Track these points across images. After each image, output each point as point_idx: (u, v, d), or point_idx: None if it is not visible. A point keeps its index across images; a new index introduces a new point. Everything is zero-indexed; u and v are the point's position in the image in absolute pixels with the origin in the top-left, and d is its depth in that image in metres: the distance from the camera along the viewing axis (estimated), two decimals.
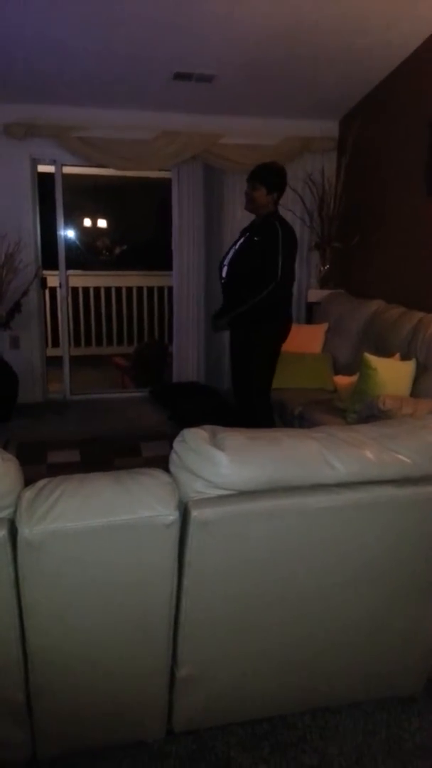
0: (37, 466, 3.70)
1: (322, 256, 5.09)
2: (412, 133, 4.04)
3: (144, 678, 1.66)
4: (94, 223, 8.18)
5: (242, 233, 3.63)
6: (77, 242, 7.90)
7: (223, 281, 3.60)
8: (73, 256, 6.75)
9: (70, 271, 5.72)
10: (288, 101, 4.74)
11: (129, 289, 7.32)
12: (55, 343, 6.13)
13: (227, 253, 3.61)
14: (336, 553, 1.61)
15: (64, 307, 5.52)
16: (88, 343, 7.30)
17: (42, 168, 5.05)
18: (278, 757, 1.78)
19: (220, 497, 1.48)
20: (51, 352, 5.76)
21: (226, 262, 3.56)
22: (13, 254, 4.71)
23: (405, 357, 3.50)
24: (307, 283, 5.32)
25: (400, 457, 1.56)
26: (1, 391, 4.69)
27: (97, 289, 7.25)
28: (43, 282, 5.22)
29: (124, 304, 7.33)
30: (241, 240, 3.54)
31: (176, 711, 1.74)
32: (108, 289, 7.29)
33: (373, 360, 3.35)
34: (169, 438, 1.68)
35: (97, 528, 1.39)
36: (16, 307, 4.75)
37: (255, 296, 3.32)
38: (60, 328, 5.73)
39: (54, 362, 5.52)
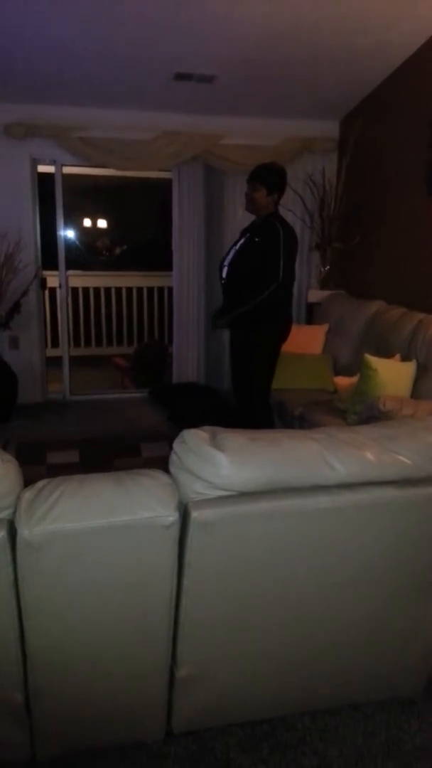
0: (36, 467, 3.70)
1: (323, 256, 5.09)
2: (413, 134, 4.04)
3: (144, 678, 1.66)
4: (94, 223, 8.18)
5: (242, 234, 3.63)
6: (77, 242, 7.90)
7: (223, 282, 3.60)
8: (73, 257, 6.75)
9: (70, 272, 5.72)
10: (288, 102, 4.73)
11: (129, 290, 7.33)
12: (55, 344, 6.12)
13: (227, 254, 3.61)
14: (336, 554, 1.61)
15: (63, 307, 5.51)
16: (87, 343, 7.30)
17: (42, 168, 5.05)
18: (278, 759, 1.78)
19: (220, 498, 1.48)
20: (51, 352, 5.75)
21: (226, 262, 3.56)
22: (13, 254, 4.71)
23: (405, 358, 3.49)
24: (308, 284, 5.32)
25: (401, 458, 1.55)
26: (1, 391, 4.69)
27: (96, 290, 7.25)
28: (43, 282, 5.22)
29: (124, 305, 7.33)
30: (242, 241, 3.54)
31: (176, 711, 1.74)
32: (108, 290, 7.29)
33: (374, 361, 3.35)
34: (169, 439, 1.68)
35: (97, 529, 1.39)
36: (16, 308, 4.75)
37: (256, 297, 3.32)
38: (60, 329, 5.72)
39: (54, 362, 5.52)
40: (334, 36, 3.78)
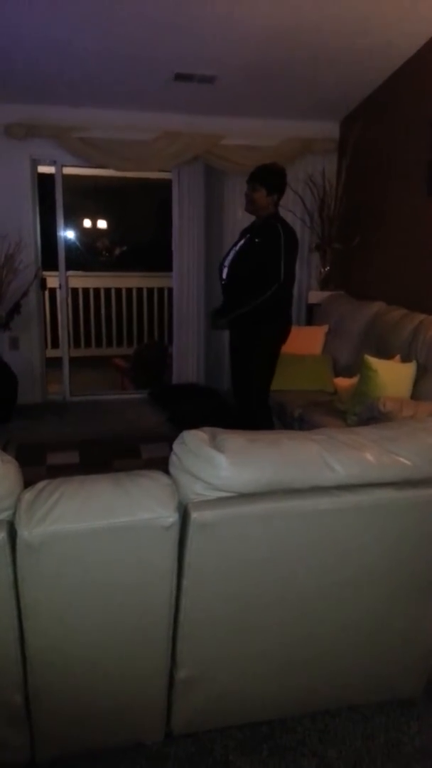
0: (36, 468, 3.70)
1: (323, 257, 5.09)
2: (414, 135, 4.04)
3: (143, 679, 1.66)
4: (94, 223, 8.18)
5: (242, 234, 3.63)
6: (77, 243, 7.90)
7: (223, 282, 3.59)
8: (73, 257, 6.75)
9: (70, 272, 5.73)
10: (289, 102, 4.74)
11: (129, 290, 7.32)
12: (55, 344, 6.12)
13: (227, 254, 3.61)
14: (335, 555, 1.61)
15: (63, 308, 5.51)
16: (87, 344, 7.29)
17: (42, 169, 5.05)
18: (277, 761, 1.77)
19: (220, 499, 1.48)
20: (50, 353, 5.75)
21: (226, 263, 3.56)
22: (13, 255, 4.71)
23: (405, 359, 3.49)
24: (308, 285, 5.32)
25: (401, 459, 1.55)
26: (1, 392, 4.68)
27: (96, 290, 7.25)
28: (43, 283, 5.22)
29: (124, 305, 7.32)
30: (242, 241, 3.54)
31: (175, 713, 1.74)
32: (108, 290, 7.29)
33: (374, 362, 3.34)
34: (169, 440, 1.68)
35: (97, 530, 1.39)
36: (16, 308, 4.75)
37: (256, 297, 3.32)
38: (60, 329, 5.72)
39: (53, 363, 5.52)
40: (335, 36, 3.78)
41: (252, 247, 3.43)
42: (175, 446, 1.55)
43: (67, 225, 5.36)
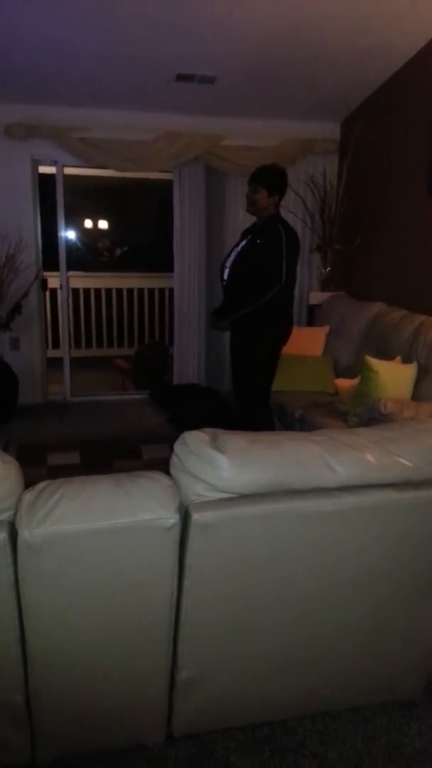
0: (37, 468, 3.70)
1: (324, 258, 5.09)
2: (414, 135, 4.03)
3: (144, 680, 1.66)
4: (95, 224, 8.18)
5: (243, 235, 3.63)
6: (78, 243, 7.90)
7: (224, 283, 3.59)
8: (74, 258, 6.75)
9: (71, 273, 5.73)
10: (289, 103, 4.74)
11: (130, 291, 7.32)
12: (56, 345, 6.13)
13: (228, 255, 3.61)
14: (336, 555, 1.61)
15: (64, 308, 5.52)
16: (88, 344, 7.29)
17: (43, 169, 5.05)
18: (278, 762, 1.77)
19: (221, 500, 1.48)
20: (51, 353, 5.76)
21: (227, 264, 3.56)
22: (14, 255, 4.71)
23: (406, 360, 3.49)
24: (309, 286, 5.32)
25: (402, 460, 1.55)
26: (1, 392, 4.68)
27: (97, 291, 7.25)
28: (44, 283, 5.22)
29: (125, 306, 7.33)
30: (243, 242, 3.54)
31: (176, 714, 1.74)
32: (109, 291, 7.29)
33: (375, 363, 3.34)
34: (170, 440, 1.68)
35: (98, 531, 1.39)
36: (17, 309, 4.75)
37: (258, 299, 3.31)
38: (60, 330, 5.73)
39: (54, 364, 5.52)
40: (335, 37, 3.78)
41: (253, 248, 3.43)
42: (176, 447, 1.55)
43: (67, 225, 5.36)
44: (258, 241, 3.42)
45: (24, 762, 1.69)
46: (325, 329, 4.61)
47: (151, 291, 7.30)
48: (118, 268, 8.02)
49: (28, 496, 1.42)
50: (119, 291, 7.31)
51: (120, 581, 1.47)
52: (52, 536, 1.36)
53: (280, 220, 3.43)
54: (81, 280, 7.07)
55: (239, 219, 4.89)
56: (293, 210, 4.85)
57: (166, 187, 5.34)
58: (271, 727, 1.88)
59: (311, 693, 1.88)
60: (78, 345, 7.13)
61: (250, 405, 3.59)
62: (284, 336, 3.57)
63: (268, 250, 3.33)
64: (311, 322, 5.11)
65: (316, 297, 5.07)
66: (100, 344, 7.33)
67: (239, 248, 3.54)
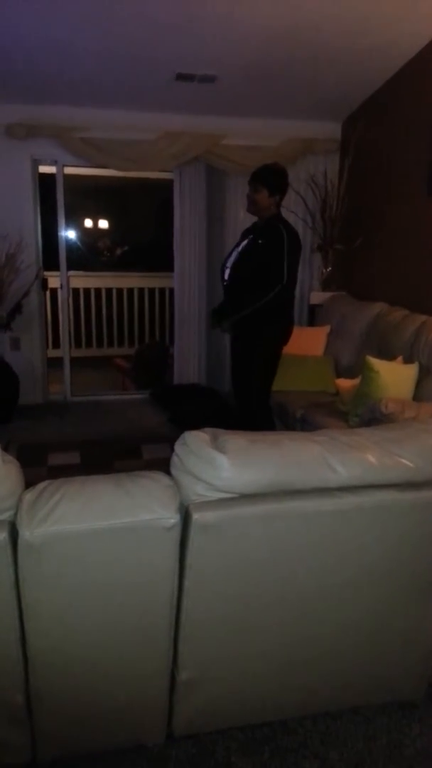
0: (37, 468, 3.70)
1: (325, 258, 5.09)
2: (415, 135, 4.03)
3: (144, 680, 1.66)
4: (96, 223, 8.19)
5: (244, 235, 3.62)
6: (78, 243, 7.90)
7: (225, 283, 3.58)
8: (75, 257, 6.75)
9: (71, 272, 5.73)
10: (290, 102, 4.74)
11: (130, 290, 7.33)
12: (56, 345, 6.13)
13: (229, 255, 3.60)
14: (336, 555, 1.61)
15: (65, 308, 5.52)
16: (88, 344, 7.30)
17: (43, 169, 5.05)
18: (279, 762, 1.77)
19: (221, 500, 1.48)
20: (52, 353, 5.76)
21: (228, 264, 3.55)
22: (15, 255, 4.71)
23: (408, 360, 3.49)
24: (309, 285, 5.32)
25: (403, 461, 1.55)
26: (2, 392, 4.69)
27: (98, 290, 7.25)
28: (44, 283, 5.22)
29: (125, 306, 7.33)
30: (244, 242, 3.53)
31: (176, 714, 1.74)
32: (109, 290, 7.29)
33: (376, 363, 3.34)
34: (170, 440, 1.68)
35: (98, 530, 1.39)
36: (17, 308, 4.75)
37: (259, 299, 3.31)
38: (61, 330, 5.73)
39: (55, 363, 5.52)
40: (335, 36, 3.78)
41: (255, 248, 3.42)
42: (177, 447, 1.55)
43: (68, 225, 5.36)
44: (259, 242, 3.41)
45: (24, 762, 1.69)
46: (326, 329, 4.61)
47: (152, 291, 7.30)
48: (119, 267, 8.02)
49: (29, 496, 1.42)
50: (119, 291, 7.31)
51: (120, 581, 1.47)
52: (52, 536, 1.36)
53: (282, 220, 3.43)
54: (81, 280, 7.07)
55: (240, 219, 4.89)
56: (294, 210, 4.85)
57: (166, 186, 5.34)
58: (271, 727, 1.88)
59: (311, 693, 1.88)
60: (78, 345, 7.14)
61: (250, 405, 3.58)
62: (285, 336, 3.56)
63: (269, 251, 3.33)
64: (312, 322, 5.11)
65: (317, 297, 5.07)
66: (100, 344, 7.34)
67: (240, 248, 3.53)
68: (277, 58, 4.04)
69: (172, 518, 1.42)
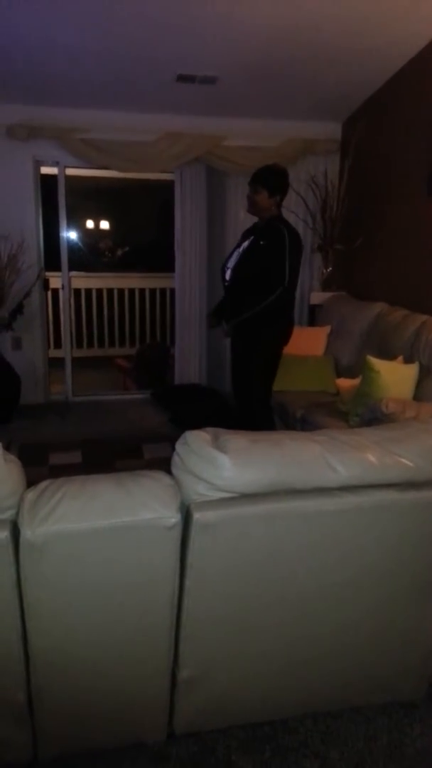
0: (38, 468, 3.71)
1: (325, 258, 5.09)
2: (416, 135, 4.04)
3: (145, 679, 1.66)
4: (97, 224, 8.19)
5: (244, 235, 3.62)
6: (80, 244, 7.91)
7: (226, 284, 3.58)
8: (76, 258, 6.76)
9: (73, 273, 5.74)
10: (290, 103, 4.74)
11: (131, 291, 7.33)
12: (57, 345, 6.14)
13: (230, 256, 3.60)
14: (337, 555, 1.61)
15: (66, 308, 5.53)
16: (90, 344, 7.30)
17: (45, 170, 5.06)
18: (279, 761, 1.78)
19: (222, 500, 1.48)
20: (53, 353, 5.77)
21: (229, 265, 3.55)
22: (16, 255, 4.71)
23: (408, 360, 3.49)
24: (310, 286, 5.32)
25: (403, 460, 1.55)
26: (3, 392, 4.69)
27: (99, 291, 7.26)
28: (46, 283, 5.23)
29: (126, 306, 7.33)
30: (246, 243, 3.52)
31: (177, 713, 1.74)
32: (110, 291, 7.30)
33: (376, 363, 3.34)
34: (171, 440, 1.68)
35: (99, 530, 1.39)
36: (19, 309, 4.76)
37: (260, 301, 3.30)
38: (62, 330, 5.74)
39: (56, 363, 5.53)
40: (336, 37, 3.78)
41: (256, 249, 3.41)
42: (178, 446, 1.56)
43: (69, 226, 5.36)
44: (261, 243, 3.40)
45: (26, 760, 1.70)
46: (327, 329, 4.61)
47: (153, 291, 7.31)
48: (120, 268, 8.02)
49: (30, 495, 1.42)
50: (121, 291, 7.31)
51: (121, 580, 1.48)
52: (54, 535, 1.37)
53: (283, 221, 3.42)
54: (83, 281, 7.08)
55: (240, 219, 4.89)
56: (294, 210, 4.85)
57: (167, 187, 5.35)
58: (272, 726, 1.88)
59: (312, 692, 1.89)
60: (80, 345, 7.14)
61: (250, 405, 3.58)
62: (285, 337, 3.56)
63: (271, 252, 3.32)
64: (312, 322, 5.11)
65: (318, 297, 5.07)
66: (101, 344, 7.34)
67: (241, 249, 3.53)
68: (278, 58, 4.05)
69: (173, 517, 1.43)
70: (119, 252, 8.34)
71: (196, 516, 1.44)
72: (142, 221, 8.26)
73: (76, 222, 7.67)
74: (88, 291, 7.20)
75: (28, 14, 3.50)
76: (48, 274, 5.25)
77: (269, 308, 3.32)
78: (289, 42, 3.84)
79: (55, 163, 4.97)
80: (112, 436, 4.47)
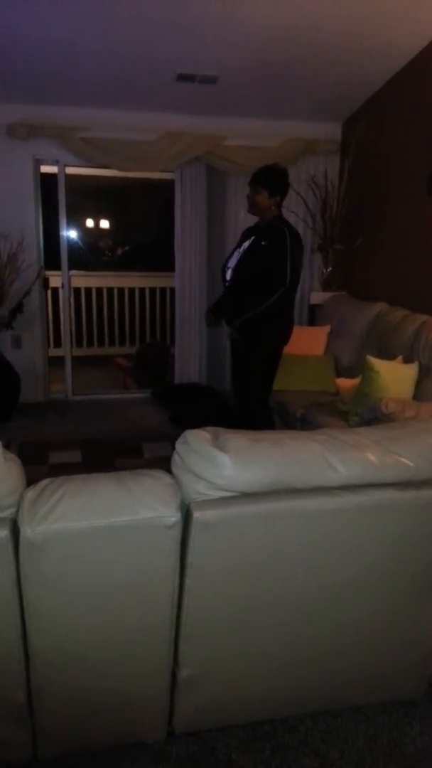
0: (38, 467, 3.71)
1: (325, 258, 5.09)
2: (416, 135, 4.04)
3: (145, 678, 1.66)
4: (97, 223, 8.19)
5: (245, 235, 3.61)
6: (80, 243, 7.91)
7: (227, 284, 3.58)
8: (76, 257, 6.76)
9: (73, 272, 5.74)
10: (290, 103, 4.74)
11: (131, 290, 7.33)
12: (57, 344, 6.15)
13: (230, 256, 3.60)
14: (337, 555, 1.61)
15: (66, 307, 5.52)
16: (90, 343, 7.30)
17: (45, 168, 5.06)
18: (279, 760, 1.78)
19: (222, 499, 1.48)
20: (53, 352, 5.77)
21: (230, 264, 3.54)
22: (16, 254, 4.72)
23: (408, 360, 3.49)
24: (310, 285, 5.32)
25: (403, 460, 1.56)
26: (3, 391, 4.69)
27: (99, 290, 7.26)
28: (46, 282, 5.23)
29: (126, 305, 7.33)
30: (247, 243, 3.52)
31: (177, 712, 1.74)
32: (110, 290, 7.30)
33: (376, 363, 3.34)
34: (171, 439, 1.68)
35: (99, 528, 1.39)
36: (19, 308, 4.76)
37: (262, 301, 3.30)
38: (62, 329, 5.74)
39: (56, 362, 5.53)
40: (336, 37, 3.78)
41: (258, 249, 3.40)
42: (178, 445, 1.56)
43: (69, 225, 5.36)
44: (262, 243, 3.39)
45: (26, 759, 1.70)
46: (327, 329, 4.61)
47: (153, 290, 7.31)
48: (120, 267, 8.03)
49: (30, 493, 1.42)
50: (120, 290, 7.31)
51: (121, 579, 1.48)
52: (53, 534, 1.37)
53: (284, 222, 3.42)
54: (82, 280, 7.08)
55: (240, 219, 4.89)
56: (295, 210, 4.85)
57: (167, 186, 5.35)
58: (272, 725, 1.88)
59: (312, 692, 1.89)
60: (79, 344, 7.14)
61: (250, 405, 3.58)
62: (285, 336, 3.56)
63: (272, 253, 3.32)
64: (312, 321, 5.11)
65: (318, 297, 5.07)
66: (101, 343, 7.34)
67: (242, 249, 3.52)
68: (278, 58, 4.05)
69: (173, 516, 1.43)
70: (119, 251, 8.34)
71: (196, 515, 1.44)
72: (142, 220, 8.25)
73: (76, 221, 7.67)
74: (88, 290, 7.20)
75: (28, 14, 3.50)
76: (48, 273, 5.25)
77: (270, 308, 3.32)
78: (289, 42, 3.84)
79: (55, 162, 4.97)
80: (112, 435, 4.47)
